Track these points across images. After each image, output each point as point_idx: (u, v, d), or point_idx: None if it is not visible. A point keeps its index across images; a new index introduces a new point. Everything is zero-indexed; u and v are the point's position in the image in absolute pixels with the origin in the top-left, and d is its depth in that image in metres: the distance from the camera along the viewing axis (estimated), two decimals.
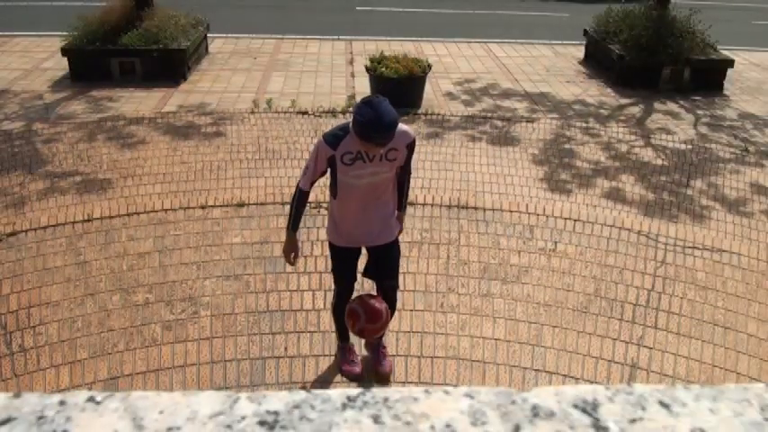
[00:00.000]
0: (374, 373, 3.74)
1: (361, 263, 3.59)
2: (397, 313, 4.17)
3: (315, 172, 3.16)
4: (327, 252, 4.64)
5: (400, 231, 3.51)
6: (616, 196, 5.86)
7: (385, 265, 3.47)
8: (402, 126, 3.09)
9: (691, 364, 3.99)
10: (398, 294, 4.30)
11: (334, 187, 3.21)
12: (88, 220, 4.98)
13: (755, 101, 8.78)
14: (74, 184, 5.69)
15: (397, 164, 3.17)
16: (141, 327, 4.04)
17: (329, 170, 3.15)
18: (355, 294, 3.53)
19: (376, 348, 3.78)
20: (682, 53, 8.76)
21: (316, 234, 4.86)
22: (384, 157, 3.06)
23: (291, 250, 3.39)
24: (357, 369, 3.72)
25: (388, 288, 3.53)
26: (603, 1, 10.78)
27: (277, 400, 0.61)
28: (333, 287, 3.63)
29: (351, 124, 2.97)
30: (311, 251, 4.71)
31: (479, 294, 4.41)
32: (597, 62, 9.84)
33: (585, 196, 5.84)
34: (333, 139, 3.05)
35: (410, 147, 3.17)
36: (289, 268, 4.55)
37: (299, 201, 3.26)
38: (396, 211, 3.43)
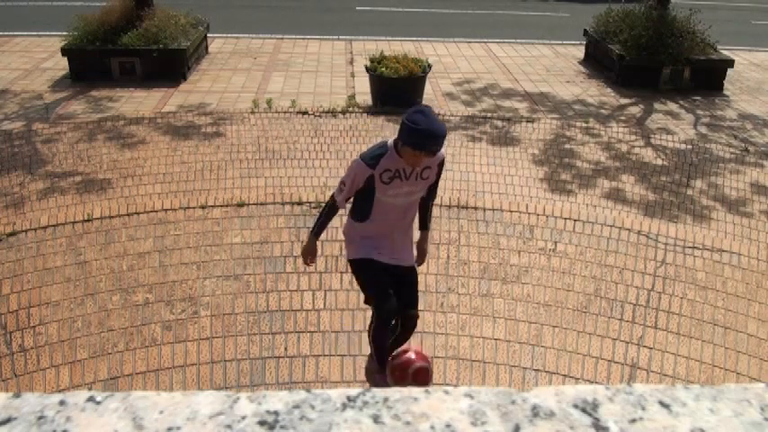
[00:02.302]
0: None
1: None
2: None
3: (351, 191, 3.16)
4: (327, 252, 4.67)
5: (424, 256, 3.52)
6: (616, 196, 5.86)
7: (410, 291, 3.40)
8: None
9: (691, 364, 3.99)
10: None
11: (364, 209, 3.18)
12: (88, 220, 4.98)
13: (755, 101, 8.78)
14: (74, 184, 5.69)
15: (428, 183, 3.22)
16: (141, 327, 4.04)
17: (360, 193, 3.15)
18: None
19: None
20: (682, 53, 8.75)
21: None
22: (419, 175, 3.11)
23: (309, 253, 3.40)
24: None
25: (410, 317, 3.45)
26: (603, 1, 10.78)
27: (277, 400, 0.61)
28: (372, 312, 3.42)
29: (398, 136, 2.97)
30: None
31: (479, 294, 4.41)
32: (597, 62, 9.84)
33: (585, 196, 5.84)
34: (371, 159, 3.06)
35: (441, 165, 3.24)
36: (288, 268, 4.56)
37: (330, 212, 3.29)
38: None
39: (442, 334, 4.07)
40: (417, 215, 3.39)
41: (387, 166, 3.04)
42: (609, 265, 4.76)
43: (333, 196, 3.24)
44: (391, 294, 3.25)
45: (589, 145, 6.95)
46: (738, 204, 5.85)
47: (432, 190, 3.34)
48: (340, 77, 8.93)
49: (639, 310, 4.36)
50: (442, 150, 3.17)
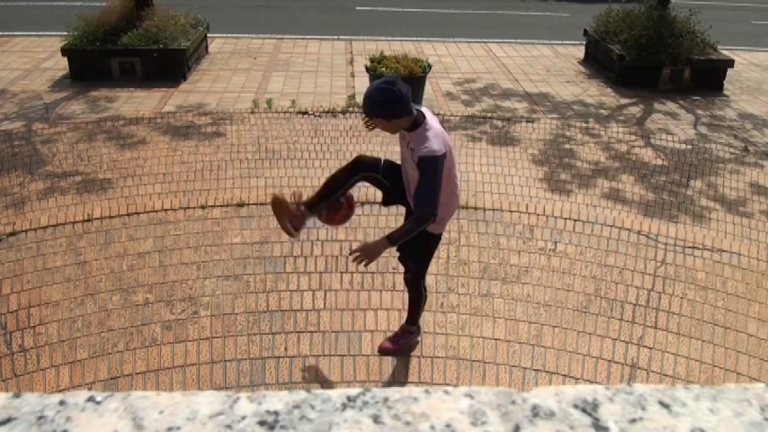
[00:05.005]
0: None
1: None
2: (396, 313, 4.18)
3: None
4: (327, 252, 4.68)
5: (367, 257, 3.04)
6: (616, 196, 5.86)
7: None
8: (429, 138, 2.97)
9: (691, 364, 3.99)
10: (399, 295, 4.31)
11: None
12: (88, 220, 4.98)
13: (755, 101, 8.78)
14: (74, 184, 5.69)
15: (414, 163, 3.06)
16: (141, 327, 4.04)
17: None
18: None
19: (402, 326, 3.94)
20: (682, 53, 8.75)
21: (316, 234, 4.86)
22: (407, 146, 3.18)
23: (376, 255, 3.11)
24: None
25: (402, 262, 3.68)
26: (603, 1, 10.79)
27: (277, 400, 0.61)
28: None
29: None
30: (311, 251, 4.71)
31: (479, 294, 4.41)
32: (597, 62, 9.84)
33: (585, 196, 5.84)
34: None
35: (421, 163, 2.95)
36: (288, 268, 4.56)
37: None
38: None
39: (442, 334, 4.07)
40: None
41: None
42: (609, 265, 4.76)
43: None
44: (376, 158, 3.48)
45: (589, 145, 6.95)
46: (738, 204, 5.85)
47: (417, 185, 3.00)
48: (340, 77, 8.93)
49: (639, 310, 4.36)
50: (430, 148, 2.93)
